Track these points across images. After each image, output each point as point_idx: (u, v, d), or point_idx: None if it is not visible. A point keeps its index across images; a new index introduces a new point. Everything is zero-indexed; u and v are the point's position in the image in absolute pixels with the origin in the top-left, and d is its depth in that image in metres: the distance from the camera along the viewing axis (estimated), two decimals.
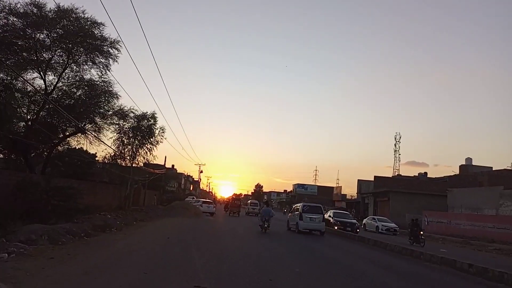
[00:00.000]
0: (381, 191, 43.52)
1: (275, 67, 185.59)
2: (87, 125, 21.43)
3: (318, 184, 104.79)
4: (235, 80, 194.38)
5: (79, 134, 21.21)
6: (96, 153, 28.85)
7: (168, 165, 72.06)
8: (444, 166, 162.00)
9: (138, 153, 30.46)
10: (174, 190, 63.53)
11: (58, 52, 18.66)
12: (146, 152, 30.76)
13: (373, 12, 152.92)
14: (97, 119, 21.39)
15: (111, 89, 21.29)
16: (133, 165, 30.73)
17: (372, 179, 54.78)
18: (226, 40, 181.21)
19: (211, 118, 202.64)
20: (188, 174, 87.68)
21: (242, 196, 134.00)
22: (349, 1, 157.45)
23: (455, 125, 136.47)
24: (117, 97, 21.73)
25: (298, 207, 23.33)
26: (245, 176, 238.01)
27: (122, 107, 22.07)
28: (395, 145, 74.07)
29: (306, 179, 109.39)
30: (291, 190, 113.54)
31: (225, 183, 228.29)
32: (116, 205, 28.18)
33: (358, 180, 55.39)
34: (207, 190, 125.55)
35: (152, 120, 30.83)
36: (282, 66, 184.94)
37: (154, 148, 31.04)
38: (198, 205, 33.42)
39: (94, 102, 20.95)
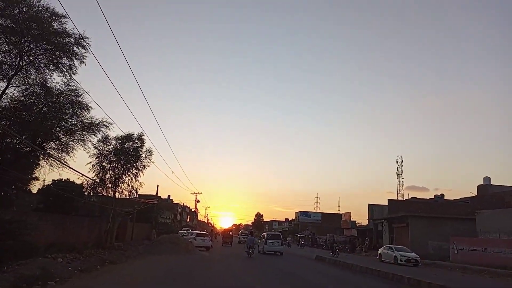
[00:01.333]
0: (397, 216, 38.87)
1: (273, 95, 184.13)
2: (48, 143, 17.29)
3: (320, 211, 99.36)
4: (232, 110, 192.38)
5: (37, 154, 17.01)
6: (83, 183, 24.79)
7: (164, 196, 67.57)
8: (445, 190, 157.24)
9: (121, 180, 26.23)
10: (168, 222, 58.43)
11: (6, 48, 14.81)
12: (131, 179, 26.56)
13: (371, 35, 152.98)
14: (61, 135, 17.24)
15: (79, 99, 17.41)
16: (116, 194, 26.48)
17: (377, 204, 50.42)
18: (223, 67, 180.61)
19: (207, 149, 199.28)
20: (185, 204, 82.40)
21: (242, 226, 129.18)
22: (345, 27, 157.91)
23: (453, 149, 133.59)
24: (88, 109, 17.76)
25: (264, 235, 31.74)
26: (245, 206, 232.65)
27: (93, 120, 17.86)
28: (397, 168, 72.85)
29: (306, 207, 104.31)
30: (293, 219, 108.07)
31: (225, 213, 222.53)
32: (94, 241, 23.66)
33: (369, 204, 50.58)
34: (205, 221, 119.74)
35: (139, 142, 26.94)
36: (279, 93, 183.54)
37: (141, 173, 26.88)
38: (191, 238, 28.64)
39: (58, 115, 16.97)
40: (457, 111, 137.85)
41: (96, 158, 25.54)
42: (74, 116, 17.68)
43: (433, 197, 58.26)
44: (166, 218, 59.05)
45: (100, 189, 26.10)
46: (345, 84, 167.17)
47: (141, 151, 26.83)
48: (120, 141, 26.13)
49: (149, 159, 27.12)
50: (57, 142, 17.44)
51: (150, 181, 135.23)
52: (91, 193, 26.13)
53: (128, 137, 26.34)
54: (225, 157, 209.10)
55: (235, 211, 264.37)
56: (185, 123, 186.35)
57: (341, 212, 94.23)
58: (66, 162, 17.36)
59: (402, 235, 38.41)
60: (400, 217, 38.32)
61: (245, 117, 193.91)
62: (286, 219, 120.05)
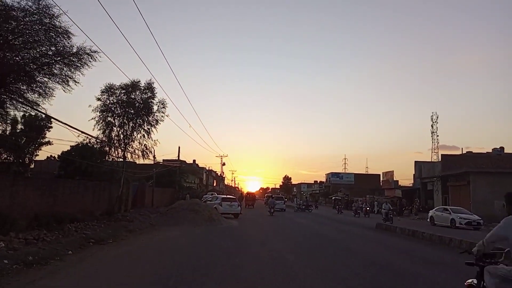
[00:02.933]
0: (455, 174, 33.25)
1: (300, 58, 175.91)
2: (14, 82, 12.76)
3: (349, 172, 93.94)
4: (258, 73, 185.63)
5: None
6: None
7: (189, 161, 64.08)
8: (476, 148, 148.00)
9: (132, 137, 21.92)
10: (193, 187, 55.03)
11: None
12: (144, 136, 22.20)
13: None
14: (32, 69, 12.62)
15: (55, 22, 12.63)
16: (128, 154, 22.39)
17: (425, 161, 45.20)
18: (248, 30, 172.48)
19: (233, 113, 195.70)
20: (211, 168, 78.93)
21: (269, 190, 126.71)
22: None
23: (484, 106, 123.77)
24: (68, 36, 13.02)
25: (271, 197, 39.45)
26: (272, 170, 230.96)
27: (73, 47, 13.07)
28: (432, 126, 67.44)
29: (333, 169, 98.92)
30: (322, 181, 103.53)
31: (252, 178, 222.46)
32: (103, 210, 19.75)
33: (416, 161, 44.83)
34: (233, 185, 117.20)
35: (148, 92, 22.35)
36: (306, 56, 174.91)
37: (153, 129, 22.45)
38: (216, 203, 24.27)
39: (27, 41, 12.34)
40: (483, 71, 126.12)
41: (100, 112, 21.42)
42: (52, 48, 13.06)
43: (500, 148, 49.49)
44: (191, 183, 55.68)
45: (107, 148, 22.20)
46: (372, 42, 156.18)
47: (153, 102, 22.36)
48: (124, 91, 21.65)
49: (162, 112, 22.60)
50: (28, 79, 12.85)
51: (173, 146, 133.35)
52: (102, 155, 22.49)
53: (134, 86, 21.77)
54: (252, 122, 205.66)
55: (262, 175, 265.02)
56: (210, 88, 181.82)
57: (391, 170, 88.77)
58: (42, 107, 12.83)
59: (460, 194, 33.01)
60: (459, 174, 32.71)
61: (270, 81, 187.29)
62: (315, 181, 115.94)
